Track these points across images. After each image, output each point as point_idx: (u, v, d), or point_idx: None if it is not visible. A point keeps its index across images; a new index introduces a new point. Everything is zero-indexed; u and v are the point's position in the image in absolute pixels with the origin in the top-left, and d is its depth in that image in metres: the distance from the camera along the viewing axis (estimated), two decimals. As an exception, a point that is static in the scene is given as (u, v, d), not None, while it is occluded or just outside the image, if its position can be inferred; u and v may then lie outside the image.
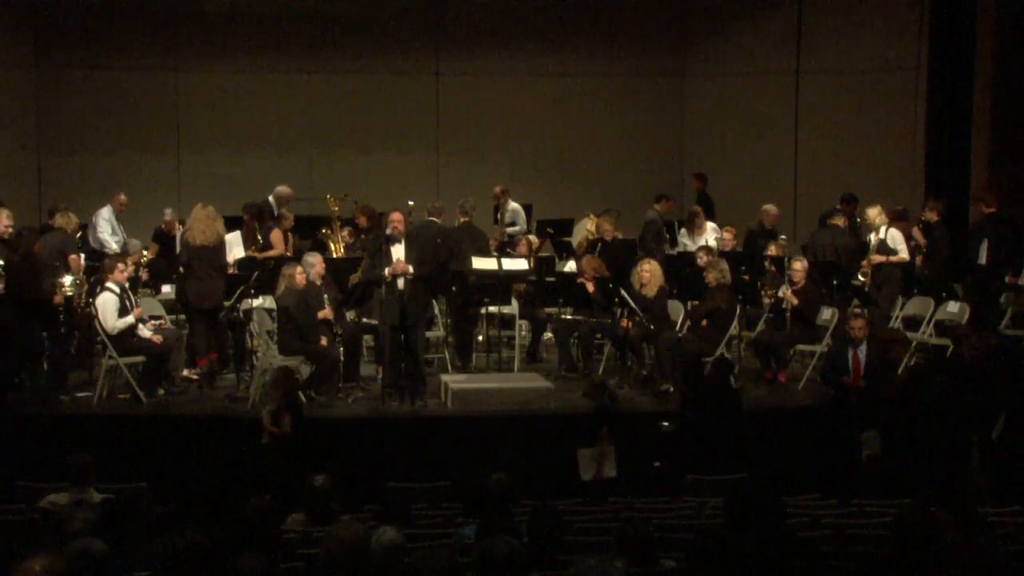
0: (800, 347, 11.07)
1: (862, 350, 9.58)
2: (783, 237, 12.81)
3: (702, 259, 11.33)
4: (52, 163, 15.80)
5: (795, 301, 10.60)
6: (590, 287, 10.95)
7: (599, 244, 12.55)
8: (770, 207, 13.00)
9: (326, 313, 10.15)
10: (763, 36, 16.19)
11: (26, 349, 9.90)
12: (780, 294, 10.70)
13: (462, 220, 11.91)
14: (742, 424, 9.03)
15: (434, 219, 11.56)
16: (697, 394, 9.23)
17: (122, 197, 13.07)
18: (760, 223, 12.92)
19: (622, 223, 13.17)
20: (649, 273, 10.73)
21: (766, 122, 16.10)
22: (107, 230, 12.74)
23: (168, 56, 15.89)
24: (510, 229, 13.37)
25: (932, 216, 12.65)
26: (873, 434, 8.83)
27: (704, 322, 10.59)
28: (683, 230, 13.34)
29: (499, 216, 13.58)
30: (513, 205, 13.69)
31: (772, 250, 12.10)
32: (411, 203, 11.08)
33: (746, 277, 11.72)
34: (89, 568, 4.50)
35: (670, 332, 10.69)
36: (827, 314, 11.29)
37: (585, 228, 13.39)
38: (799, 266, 10.78)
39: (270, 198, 12.59)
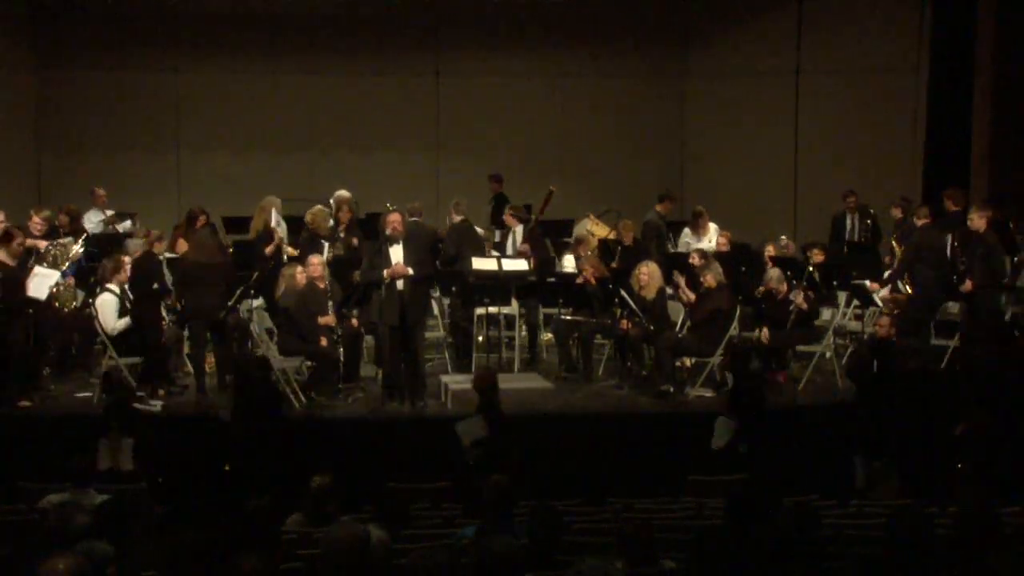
0: (800, 347, 11.07)
1: None
2: (783, 237, 12.81)
3: (694, 260, 11.34)
4: (52, 163, 15.81)
5: (804, 306, 10.61)
6: (591, 280, 10.94)
7: (619, 248, 12.47)
8: (788, 242, 12.91)
9: (328, 320, 10.13)
10: (763, 36, 16.18)
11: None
12: (791, 296, 10.69)
13: (458, 219, 11.91)
14: (286, 425, 8.96)
15: (416, 219, 11.58)
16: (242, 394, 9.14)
17: (99, 192, 13.05)
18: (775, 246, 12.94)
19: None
20: (647, 275, 10.73)
21: (766, 122, 16.10)
22: (100, 229, 12.73)
23: (168, 56, 15.88)
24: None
25: (896, 213, 12.73)
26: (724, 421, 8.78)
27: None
28: (686, 230, 13.33)
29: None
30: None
31: (771, 250, 12.13)
32: (389, 205, 11.06)
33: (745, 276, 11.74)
34: (94, 571, 4.50)
35: (670, 332, 10.70)
36: (827, 314, 11.33)
37: (585, 228, 13.37)
38: (774, 278, 10.83)
39: (331, 201, 12.57)
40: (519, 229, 12.15)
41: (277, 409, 9.03)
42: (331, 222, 11.65)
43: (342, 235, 11.68)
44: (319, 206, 11.94)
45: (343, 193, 12.48)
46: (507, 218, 12.25)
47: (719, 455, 8.72)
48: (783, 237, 12.82)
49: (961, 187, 12.51)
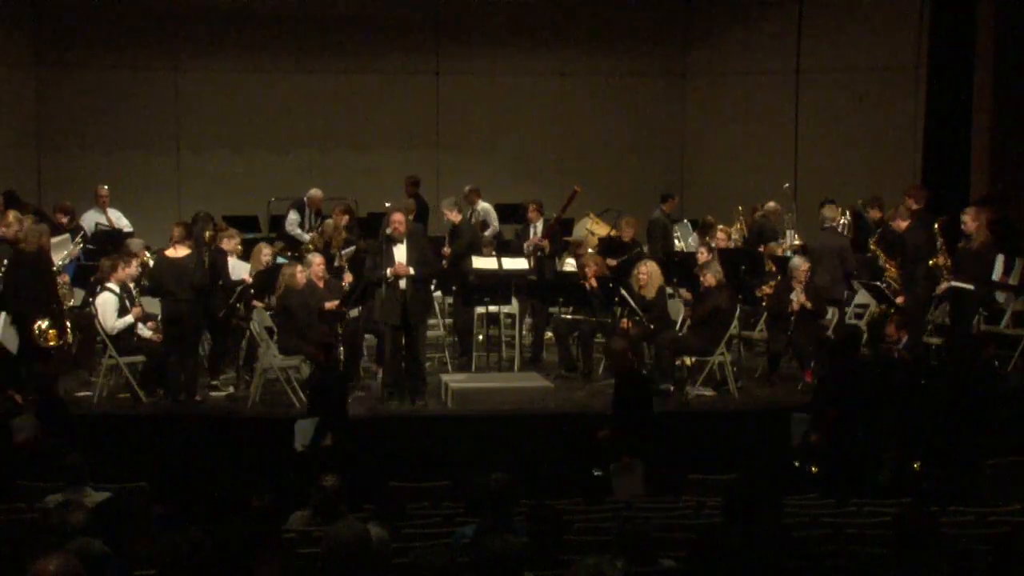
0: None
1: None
2: (796, 243, 12.82)
3: (702, 255, 11.33)
4: (52, 162, 15.79)
5: (809, 304, 10.57)
6: (592, 281, 10.94)
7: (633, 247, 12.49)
8: (775, 206, 13.00)
9: (332, 304, 10.14)
10: (763, 36, 16.18)
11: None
12: (792, 296, 10.64)
13: (458, 219, 11.95)
14: None
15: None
16: None
17: (102, 191, 12.98)
18: (766, 216, 12.97)
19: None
20: (647, 275, 10.73)
21: (766, 122, 16.09)
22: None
23: (168, 56, 15.86)
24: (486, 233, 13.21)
25: (875, 213, 12.73)
26: None
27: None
28: (695, 234, 13.23)
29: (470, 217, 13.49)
30: (483, 205, 13.28)
31: (773, 250, 12.13)
32: (388, 204, 11.08)
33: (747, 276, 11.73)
34: (87, 569, 4.48)
35: (670, 331, 10.70)
36: (827, 313, 11.32)
37: (585, 227, 13.37)
38: (804, 267, 10.78)
39: (304, 199, 12.68)
40: (540, 224, 12.43)
41: None
42: (344, 233, 11.71)
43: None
44: (331, 219, 11.99)
45: (315, 192, 12.54)
46: (531, 213, 12.52)
47: (307, 456, 8.63)
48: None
49: (924, 186, 12.60)
